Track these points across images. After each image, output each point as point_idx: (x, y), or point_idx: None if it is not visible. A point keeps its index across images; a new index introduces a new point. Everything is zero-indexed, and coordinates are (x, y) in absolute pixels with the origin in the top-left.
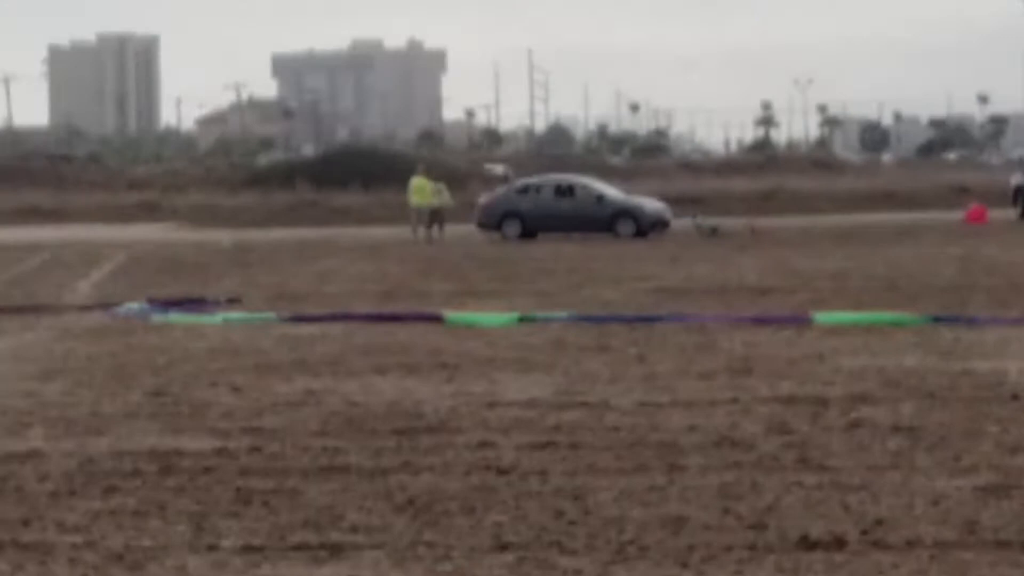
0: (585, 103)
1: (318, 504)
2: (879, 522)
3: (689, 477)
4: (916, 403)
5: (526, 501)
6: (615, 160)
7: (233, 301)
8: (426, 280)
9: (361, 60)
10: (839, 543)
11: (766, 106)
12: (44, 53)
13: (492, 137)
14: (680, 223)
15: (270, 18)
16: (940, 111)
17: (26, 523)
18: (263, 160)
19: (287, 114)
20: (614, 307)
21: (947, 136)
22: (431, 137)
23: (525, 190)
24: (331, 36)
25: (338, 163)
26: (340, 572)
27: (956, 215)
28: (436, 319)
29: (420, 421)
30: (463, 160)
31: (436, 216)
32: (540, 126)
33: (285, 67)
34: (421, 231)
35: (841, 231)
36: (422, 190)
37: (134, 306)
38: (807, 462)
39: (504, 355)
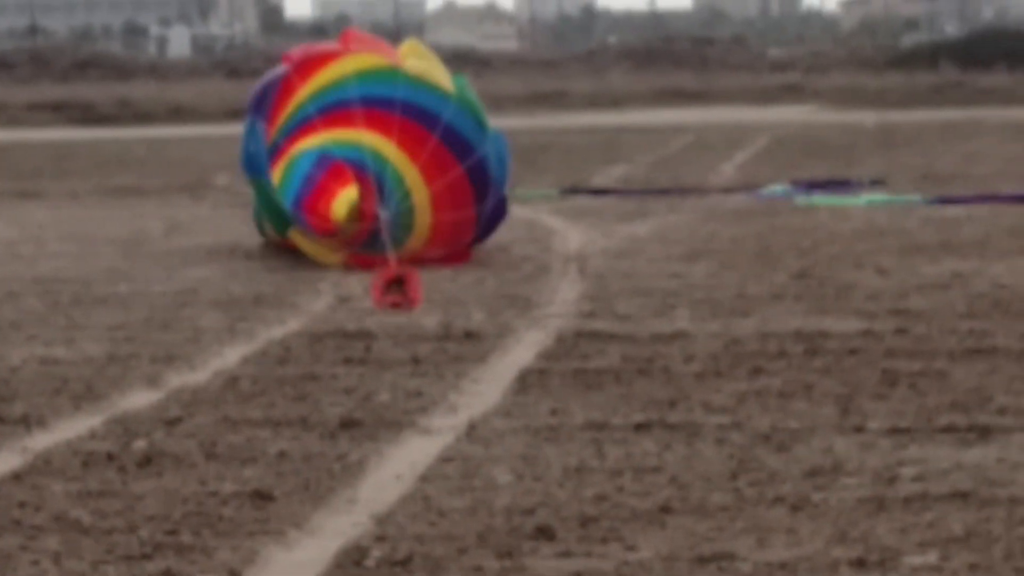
0: None
1: (965, 386)
2: None
3: None
4: None
5: None
6: None
7: (877, 183)
8: None
9: None
10: None
11: None
12: None
13: None
14: None
15: None
16: None
17: (673, 403)
18: (907, 41)
19: None
20: None
21: None
22: None
23: None
24: None
25: (983, 43)
26: (988, 455)
27: None
28: None
29: None
30: None
31: None
32: None
33: None
34: None
35: None
36: None
37: (778, 188)
38: None
39: None
